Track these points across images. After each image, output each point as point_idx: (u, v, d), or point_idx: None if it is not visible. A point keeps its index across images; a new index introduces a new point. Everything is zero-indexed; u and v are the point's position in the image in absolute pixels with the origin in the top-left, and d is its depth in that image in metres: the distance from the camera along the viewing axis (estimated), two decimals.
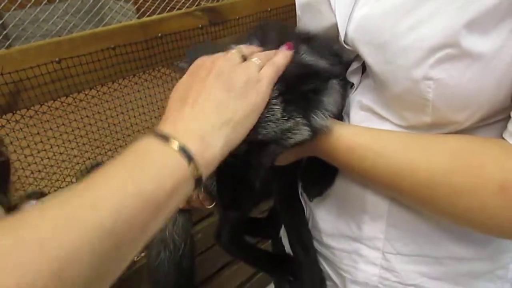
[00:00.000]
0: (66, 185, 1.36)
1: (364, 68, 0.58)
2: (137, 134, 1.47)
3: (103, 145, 1.40)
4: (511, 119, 0.47)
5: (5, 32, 1.26)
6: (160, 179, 0.38)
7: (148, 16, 1.35)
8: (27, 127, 1.17)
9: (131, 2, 1.72)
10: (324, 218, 0.69)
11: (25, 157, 1.20)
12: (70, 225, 0.32)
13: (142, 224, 0.36)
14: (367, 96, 0.57)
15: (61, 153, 1.31)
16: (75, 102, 1.25)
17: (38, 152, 1.23)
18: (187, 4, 1.49)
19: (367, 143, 0.53)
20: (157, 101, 1.45)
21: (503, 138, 0.49)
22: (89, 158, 1.39)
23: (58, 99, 1.17)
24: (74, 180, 1.37)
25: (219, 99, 0.45)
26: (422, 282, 0.61)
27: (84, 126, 1.33)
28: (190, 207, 0.81)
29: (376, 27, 0.50)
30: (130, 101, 1.39)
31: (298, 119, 0.51)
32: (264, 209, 0.99)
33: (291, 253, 0.76)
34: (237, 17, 1.48)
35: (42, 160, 1.26)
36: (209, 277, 1.59)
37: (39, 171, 1.27)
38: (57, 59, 1.10)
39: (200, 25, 1.38)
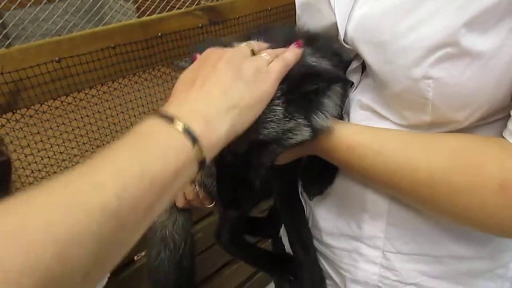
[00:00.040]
0: None
1: (363, 67, 0.58)
2: None
3: (103, 144, 1.40)
4: (510, 118, 0.47)
5: (5, 31, 1.26)
6: (164, 160, 0.38)
7: (148, 15, 1.35)
8: (27, 126, 1.17)
9: (131, 1, 1.72)
10: (324, 217, 0.69)
11: (25, 156, 1.21)
12: (75, 206, 0.32)
13: (146, 205, 0.36)
14: (367, 95, 0.57)
15: (61, 153, 1.31)
16: (75, 101, 1.25)
17: (38, 151, 1.23)
18: (187, 3, 1.49)
19: (367, 142, 0.53)
20: (157, 101, 1.45)
21: (503, 137, 0.49)
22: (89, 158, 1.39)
23: (58, 99, 1.17)
24: None
25: (227, 85, 0.45)
26: (422, 281, 0.61)
27: (84, 126, 1.33)
28: (190, 207, 0.81)
29: (376, 26, 0.50)
30: (130, 101, 1.39)
31: (300, 119, 0.51)
32: (264, 208, 0.99)
33: (291, 252, 0.77)
34: (237, 16, 1.48)
35: (42, 159, 1.26)
36: (209, 276, 1.59)
37: (39, 170, 1.27)
38: (57, 58, 1.10)
39: (200, 24, 1.38)
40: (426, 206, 0.53)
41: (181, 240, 0.84)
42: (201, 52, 0.51)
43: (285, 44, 0.55)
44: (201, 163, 0.41)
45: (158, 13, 1.37)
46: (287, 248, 0.80)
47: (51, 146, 1.27)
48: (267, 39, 0.57)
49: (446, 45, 0.45)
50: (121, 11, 1.62)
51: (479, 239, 0.58)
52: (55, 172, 1.32)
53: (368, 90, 0.57)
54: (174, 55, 1.35)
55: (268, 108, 0.48)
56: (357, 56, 0.57)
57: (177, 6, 1.46)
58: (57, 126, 1.26)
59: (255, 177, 0.54)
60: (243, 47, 0.51)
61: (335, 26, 0.55)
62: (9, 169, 1.12)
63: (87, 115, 1.32)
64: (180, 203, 0.79)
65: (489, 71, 0.45)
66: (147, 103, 1.44)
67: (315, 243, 0.72)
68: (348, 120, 0.59)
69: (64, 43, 1.11)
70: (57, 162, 1.32)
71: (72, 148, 1.33)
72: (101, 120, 1.36)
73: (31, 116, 1.15)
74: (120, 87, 1.32)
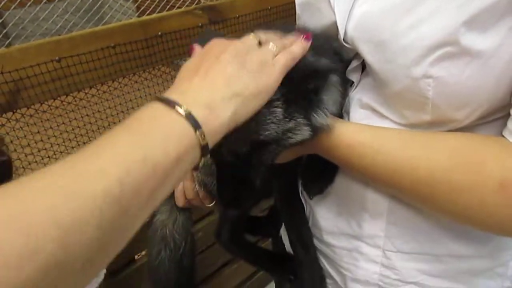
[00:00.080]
0: None
1: (364, 66, 0.58)
2: None
3: None
4: (510, 117, 0.47)
5: (5, 31, 1.26)
6: (167, 145, 0.38)
7: (148, 14, 1.35)
8: (27, 126, 1.17)
9: (131, 1, 1.72)
10: (325, 216, 0.69)
11: (25, 156, 1.21)
12: (77, 192, 0.32)
13: (148, 191, 0.36)
14: (367, 94, 0.57)
15: (61, 152, 1.31)
16: (75, 101, 1.25)
17: (39, 151, 1.23)
18: (187, 2, 1.49)
19: (367, 141, 0.53)
20: None
21: (503, 136, 0.49)
22: None
23: (58, 98, 1.17)
24: None
25: (231, 74, 0.45)
26: (422, 279, 0.61)
27: (84, 125, 1.33)
28: (191, 206, 0.81)
29: (376, 25, 0.50)
30: (130, 100, 1.39)
31: (300, 119, 0.51)
32: (264, 207, 0.99)
33: (292, 252, 0.77)
34: (237, 16, 1.48)
35: (42, 159, 1.26)
36: (209, 275, 1.59)
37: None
38: (57, 58, 1.10)
39: (200, 24, 1.38)
40: (426, 204, 0.53)
41: (181, 239, 0.84)
42: (201, 44, 0.51)
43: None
44: (204, 149, 0.41)
45: (158, 12, 1.37)
46: (287, 247, 0.80)
47: (51, 146, 1.27)
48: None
49: (446, 44, 0.45)
50: (121, 11, 1.62)
51: (479, 238, 0.58)
52: None
53: (368, 89, 0.57)
54: (174, 54, 1.35)
55: (268, 110, 0.48)
56: (357, 55, 0.57)
57: (177, 5, 1.46)
58: (57, 125, 1.26)
59: (255, 176, 0.54)
60: (249, 38, 0.50)
61: (335, 25, 0.55)
62: (10, 169, 1.12)
63: (87, 115, 1.32)
64: (180, 202, 0.79)
65: (489, 70, 0.45)
66: (147, 103, 1.43)
67: (316, 242, 0.72)
68: (348, 119, 0.59)
69: (64, 43, 1.11)
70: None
71: (72, 147, 1.33)
72: (101, 119, 1.36)
73: (31, 116, 1.15)
74: (120, 87, 1.32)
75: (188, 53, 0.52)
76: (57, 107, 1.20)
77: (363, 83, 0.59)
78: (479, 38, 0.44)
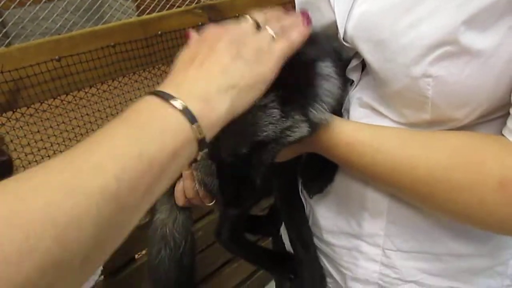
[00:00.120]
0: None
1: (363, 66, 0.58)
2: None
3: None
4: (510, 116, 0.47)
5: (4, 30, 1.26)
6: (163, 140, 0.37)
7: (148, 13, 1.35)
8: (27, 125, 1.17)
9: (130, 0, 1.72)
10: (324, 215, 0.69)
11: (26, 155, 1.21)
12: (74, 189, 0.31)
13: (145, 187, 0.36)
14: (367, 93, 0.57)
15: (61, 151, 1.31)
16: (75, 100, 1.25)
17: (39, 150, 1.23)
18: (187, 1, 1.49)
19: (366, 139, 0.53)
20: None
21: (502, 135, 0.49)
22: None
23: (58, 97, 1.17)
24: None
25: (227, 64, 0.44)
26: (422, 278, 0.61)
27: (84, 124, 1.33)
28: (191, 205, 0.81)
29: (375, 24, 0.50)
30: (130, 99, 1.39)
31: (297, 117, 0.51)
32: (264, 206, 0.99)
33: (292, 251, 0.77)
34: (237, 15, 1.48)
35: (42, 158, 1.26)
36: (209, 274, 1.59)
37: None
38: (57, 57, 1.10)
39: (200, 23, 1.38)
40: (425, 203, 0.53)
41: (181, 239, 0.84)
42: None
43: None
44: (201, 143, 0.40)
45: (158, 11, 1.37)
46: (288, 246, 0.80)
47: (51, 145, 1.27)
48: None
49: (445, 43, 0.45)
50: (121, 10, 1.62)
51: (479, 236, 0.58)
52: None
53: (368, 88, 0.57)
54: (174, 53, 1.33)
55: (265, 112, 0.48)
56: (357, 54, 0.57)
57: (177, 4, 1.46)
58: (57, 125, 1.26)
59: (255, 176, 0.54)
60: (246, 23, 0.49)
61: (334, 24, 0.55)
62: (11, 169, 1.12)
63: (87, 114, 1.32)
64: (180, 202, 0.79)
65: (489, 69, 0.45)
66: (144, 95, 1.43)
67: (315, 241, 0.72)
68: (348, 117, 0.59)
69: (64, 42, 1.11)
70: None
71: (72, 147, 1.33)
72: (101, 119, 1.36)
73: (31, 115, 1.15)
74: (120, 86, 1.32)
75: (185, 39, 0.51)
76: (57, 107, 1.20)
77: (363, 82, 0.59)
78: (479, 38, 0.44)
